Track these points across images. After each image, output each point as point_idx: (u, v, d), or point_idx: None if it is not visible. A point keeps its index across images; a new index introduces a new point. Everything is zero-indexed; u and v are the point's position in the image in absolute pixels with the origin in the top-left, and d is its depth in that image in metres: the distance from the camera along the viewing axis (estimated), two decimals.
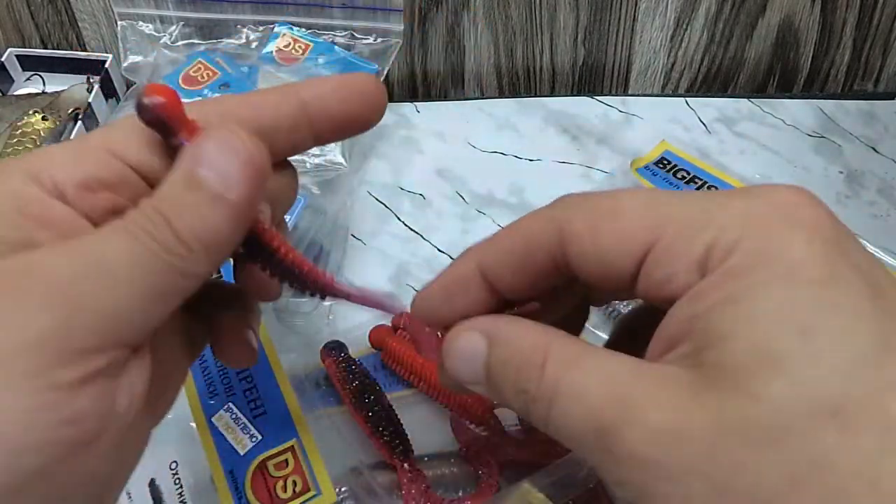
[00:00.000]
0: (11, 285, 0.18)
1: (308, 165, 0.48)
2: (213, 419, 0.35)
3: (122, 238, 0.20)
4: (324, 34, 0.54)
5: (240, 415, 0.35)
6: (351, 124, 0.26)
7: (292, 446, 0.34)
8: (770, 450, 0.18)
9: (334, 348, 0.38)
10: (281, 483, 0.33)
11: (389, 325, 0.40)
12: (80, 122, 0.51)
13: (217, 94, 0.25)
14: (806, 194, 0.20)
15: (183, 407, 0.36)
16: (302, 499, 0.33)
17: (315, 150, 0.49)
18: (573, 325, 0.27)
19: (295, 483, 0.33)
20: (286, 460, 0.34)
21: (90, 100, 0.52)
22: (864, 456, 0.17)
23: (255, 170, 0.21)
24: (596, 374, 0.21)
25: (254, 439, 0.34)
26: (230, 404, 0.35)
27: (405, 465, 0.34)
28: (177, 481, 0.36)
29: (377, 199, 0.50)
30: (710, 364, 0.19)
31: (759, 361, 0.19)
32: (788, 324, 0.19)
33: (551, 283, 0.24)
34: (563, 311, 0.26)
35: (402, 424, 0.35)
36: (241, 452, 0.34)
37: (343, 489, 0.35)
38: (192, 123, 0.21)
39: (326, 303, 0.43)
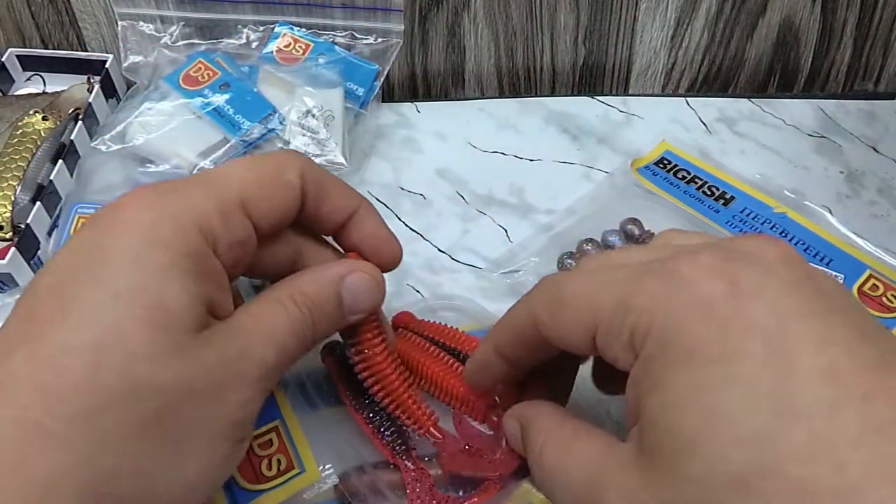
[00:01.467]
0: (235, 372, 0.26)
1: None
2: None
3: (288, 321, 0.29)
4: (324, 34, 0.54)
5: None
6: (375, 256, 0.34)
7: (276, 426, 0.35)
8: None
9: (335, 348, 0.38)
10: (266, 462, 0.34)
11: (391, 323, 0.40)
12: (80, 122, 0.51)
13: None
14: (707, 260, 0.22)
15: None
16: (286, 476, 0.34)
17: (315, 150, 0.49)
18: (568, 377, 0.32)
19: (280, 461, 0.34)
20: (270, 440, 0.35)
21: (90, 100, 0.52)
22: None
23: (374, 306, 0.32)
24: (578, 459, 0.25)
25: None
26: None
27: (408, 464, 0.34)
28: None
29: (377, 199, 0.50)
30: (647, 446, 0.22)
31: (676, 444, 0.21)
32: (695, 406, 0.21)
33: (548, 352, 0.28)
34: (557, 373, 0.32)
35: (402, 425, 0.35)
36: None
37: (327, 466, 0.35)
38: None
39: None
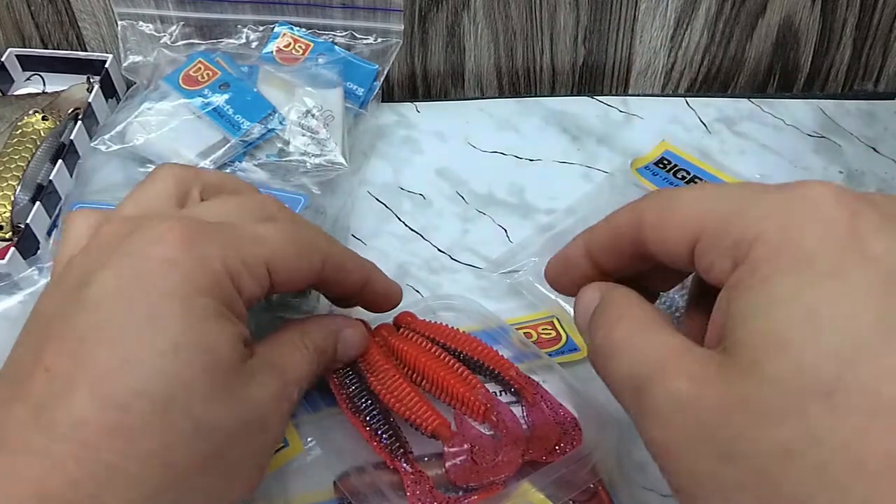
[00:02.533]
0: (277, 405, 0.29)
1: (308, 165, 0.48)
2: None
3: (306, 363, 0.32)
4: (324, 34, 0.54)
5: None
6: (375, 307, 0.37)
7: None
8: (769, 424, 0.20)
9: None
10: None
11: (391, 322, 0.40)
12: (80, 122, 0.51)
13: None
14: (833, 190, 0.22)
15: None
16: None
17: (315, 150, 0.49)
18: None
19: None
20: None
21: (90, 100, 0.52)
22: (851, 436, 0.19)
23: (359, 354, 0.36)
24: (654, 339, 0.25)
25: None
26: None
27: (406, 466, 0.34)
28: None
29: (377, 199, 0.50)
30: (732, 345, 0.22)
31: (768, 344, 0.21)
32: (797, 311, 0.20)
33: (640, 262, 0.28)
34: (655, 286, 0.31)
35: (400, 427, 0.35)
36: None
37: (309, 440, 0.36)
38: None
39: (326, 302, 0.43)
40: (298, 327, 0.33)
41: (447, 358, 0.37)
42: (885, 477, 0.18)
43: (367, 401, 0.36)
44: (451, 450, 0.34)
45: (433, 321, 0.40)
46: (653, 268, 0.28)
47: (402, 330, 0.39)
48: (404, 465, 0.34)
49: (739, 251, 0.22)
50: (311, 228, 0.34)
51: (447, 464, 0.34)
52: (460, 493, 0.34)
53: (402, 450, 0.35)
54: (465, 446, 0.34)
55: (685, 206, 0.25)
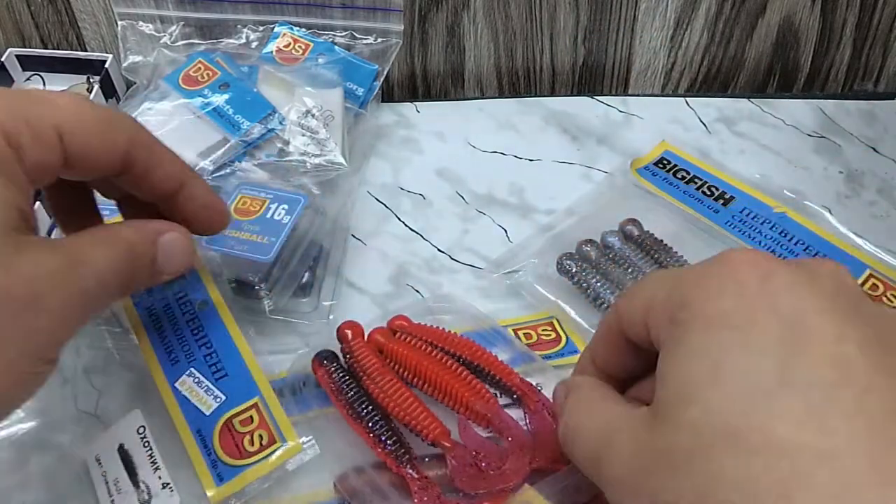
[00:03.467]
0: (53, 286, 0.26)
1: (308, 165, 0.48)
2: (176, 384, 0.37)
3: (110, 257, 0.29)
4: (324, 34, 0.54)
5: (202, 378, 0.37)
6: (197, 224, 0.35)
7: (256, 403, 0.36)
8: (684, 469, 0.22)
9: (326, 358, 0.38)
10: (248, 438, 0.35)
11: (386, 326, 0.40)
12: None
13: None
14: (751, 255, 0.24)
15: (146, 374, 0.37)
16: (269, 450, 0.35)
17: (315, 150, 0.49)
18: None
19: (261, 437, 0.35)
20: (251, 416, 0.36)
21: (90, 100, 0.52)
22: (749, 473, 0.20)
23: (184, 268, 0.33)
24: (599, 416, 0.27)
25: (218, 400, 0.36)
26: (192, 369, 0.37)
27: (413, 473, 0.34)
28: (146, 444, 0.36)
29: (377, 199, 0.50)
30: (657, 401, 0.24)
31: (680, 395, 0.23)
32: (706, 363, 0.22)
33: (634, 357, 0.29)
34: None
35: (401, 432, 0.35)
36: (207, 413, 0.36)
37: (308, 437, 0.36)
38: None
39: (326, 303, 0.43)
40: (111, 227, 0.31)
41: (449, 362, 0.37)
42: None
43: (366, 406, 0.36)
44: (455, 458, 0.34)
45: (429, 324, 0.39)
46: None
47: (398, 335, 0.39)
48: (410, 471, 0.34)
49: (673, 318, 0.25)
50: (118, 111, 0.32)
51: (454, 473, 0.34)
52: (462, 496, 0.34)
53: (406, 455, 0.34)
54: (472, 453, 0.34)
55: (640, 289, 0.27)
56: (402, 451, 0.34)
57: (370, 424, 0.35)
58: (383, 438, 0.35)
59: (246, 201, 0.44)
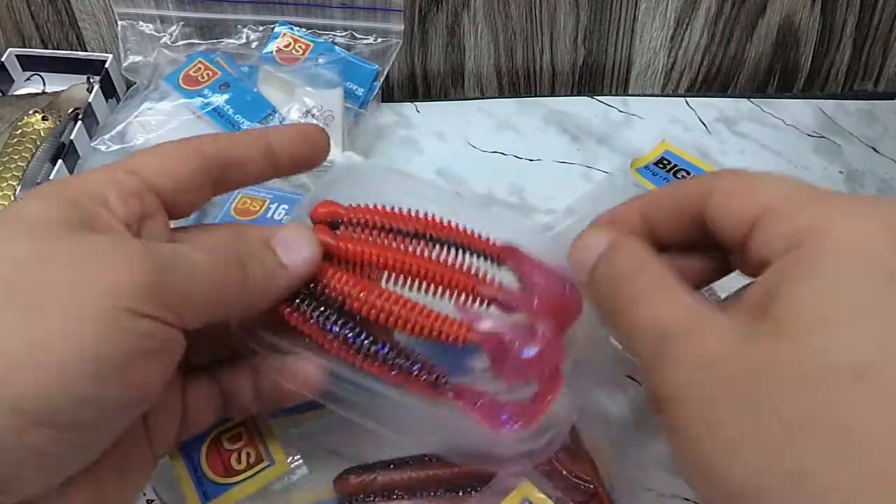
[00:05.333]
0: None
1: None
2: None
3: (212, 258, 0.26)
4: (324, 34, 0.54)
5: None
6: (304, 162, 0.32)
7: (245, 421, 0.35)
8: (795, 392, 0.21)
9: (294, 299, 0.30)
10: (235, 455, 0.35)
11: (313, 222, 0.32)
12: (80, 122, 0.51)
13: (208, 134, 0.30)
14: None
15: None
16: (256, 469, 0.34)
17: None
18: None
19: (249, 455, 0.34)
20: (239, 433, 0.35)
21: (90, 100, 0.52)
22: (870, 416, 0.20)
23: (312, 255, 0.29)
24: (678, 298, 0.25)
25: None
26: None
27: (450, 395, 0.30)
28: None
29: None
30: (779, 315, 0.22)
31: (817, 321, 0.22)
32: (852, 301, 0.22)
33: (692, 231, 0.28)
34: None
35: (418, 353, 0.30)
36: None
37: (296, 457, 0.35)
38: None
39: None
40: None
41: (418, 249, 0.31)
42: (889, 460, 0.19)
43: (363, 337, 0.29)
44: (491, 349, 0.29)
45: (362, 205, 0.32)
46: (689, 247, 0.29)
47: (341, 229, 0.31)
48: (449, 393, 0.30)
49: (799, 237, 0.23)
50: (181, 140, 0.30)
51: (497, 364, 0.29)
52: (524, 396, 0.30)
53: (443, 377, 0.30)
54: (505, 338, 0.30)
55: (761, 186, 0.26)
56: (435, 374, 0.30)
57: (384, 359, 0.29)
58: (414, 368, 0.29)
59: (246, 201, 0.45)
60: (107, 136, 0.50)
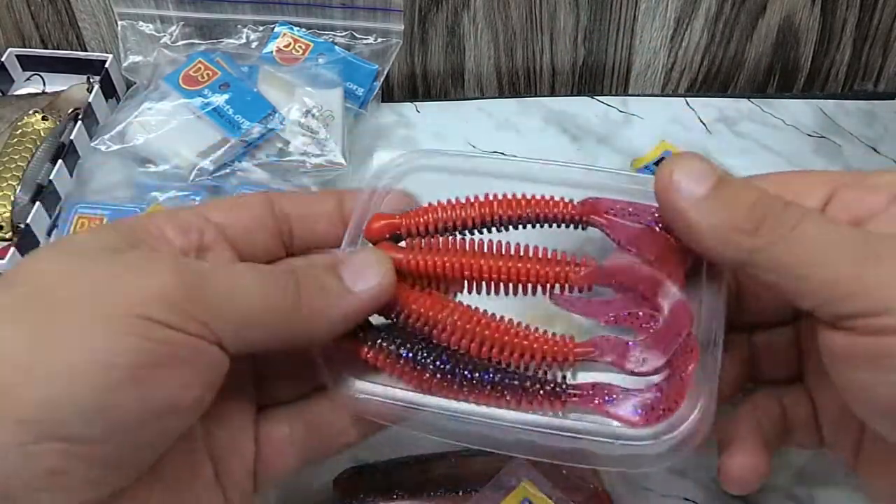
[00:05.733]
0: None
1: (308, 165, 0.48)
2: None
3: (261, 274, 0.25)
4: (324, 34, 0.54)
5: None
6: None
7: None
8: None
9: (363, 332, 0.27)
10: None
11: (372, 239, 0.29)
12: (80, 122, 0.51)
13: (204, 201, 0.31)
14: None
15: None
16: None
17: (315, 150, 0.49)
18: None
19: None
20: None
21: (90, 100, 0.52)
22: None
23: (383, 291, 0.26)
24: (846, 237, 0.24)
25: None
26: None
27: (577, 392, 0.27)
28: None
29: None
30: None
31: None
32: None
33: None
34: None
35: (539, 367, 0.27)
36: None
37: None
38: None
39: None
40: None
41: (494, 238, 0.28)
42: None
43: (463, 368, 0.26)
44: (614, 351, 0.27)
45: (423, 203, 0.30)
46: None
47: (406, 241, 0.29)
48: (575, 399, 0.26)
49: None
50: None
51: (626, 360, 0.27)
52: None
53: (556, 384, 0.27)
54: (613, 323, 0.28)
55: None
56: (548, 382, 0.27)
57: (492, 381, 0.26)
58: (518, 385, 0.26)
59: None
60: (107, 136, 0.50)
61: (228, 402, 0.26)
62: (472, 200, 0.29)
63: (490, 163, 0.31)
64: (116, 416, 0.21)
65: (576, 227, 0.29)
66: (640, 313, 0.27)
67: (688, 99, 0.57)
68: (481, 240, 0.28)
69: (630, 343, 0.27)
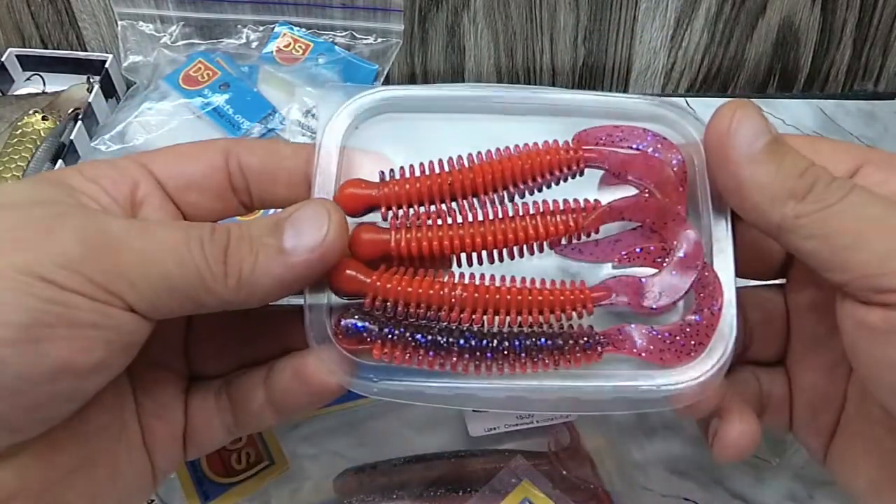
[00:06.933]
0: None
1: None
2: None
3: (179, 235, 0.22)
4: (324, 34, 0.54)
5: None
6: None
7: None
8: None
9: (352, 315, 0.25)
10: (235, 455, 0.35)
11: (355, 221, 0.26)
12: (80, 122, 0.51)
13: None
14: None
15: None
16: (256, 469, 0.35)
17: None
18: None
19: (249, 455, 0.35)
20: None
21: (90, 100, 0.52)
22: None
23: (326, 249, 0.23)
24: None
25: None
26: None
27: (609, 340, 0.26)
28: None
29: None
30: None
31: None
32: None
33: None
34: None
35: (560, 319, 0.26)
36: None
37: (296, 457, 0.35)
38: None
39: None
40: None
41: (486, 201, 0.27)
42: None
43: (488, 342, 0.25)
44: (628, 288, 0.26)
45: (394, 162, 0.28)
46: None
47: (384, 211, 0.26)
48: (609, 347, 0.26)
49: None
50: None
51: (646, 301, 0.26)
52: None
53: (588, 337, 0.26)
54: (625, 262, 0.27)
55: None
56: (579, 335, 0.26)
57: (520, 348, 0.25)
58: (550, 345, 0.25)
59: None
60: (107, 136, 0.50)
61: (158, 372, 0.26)
62: (453, 161, 0.27)
63: (460, 97, 0.30)
64: (16, 371, 0.20)
65: (573, 177, 0.27)
66: (652, 248, 0.27)
67: (688, 99, 0.57)
68: (471, 205, 0.27)
69: (643, 280, 0.26)
